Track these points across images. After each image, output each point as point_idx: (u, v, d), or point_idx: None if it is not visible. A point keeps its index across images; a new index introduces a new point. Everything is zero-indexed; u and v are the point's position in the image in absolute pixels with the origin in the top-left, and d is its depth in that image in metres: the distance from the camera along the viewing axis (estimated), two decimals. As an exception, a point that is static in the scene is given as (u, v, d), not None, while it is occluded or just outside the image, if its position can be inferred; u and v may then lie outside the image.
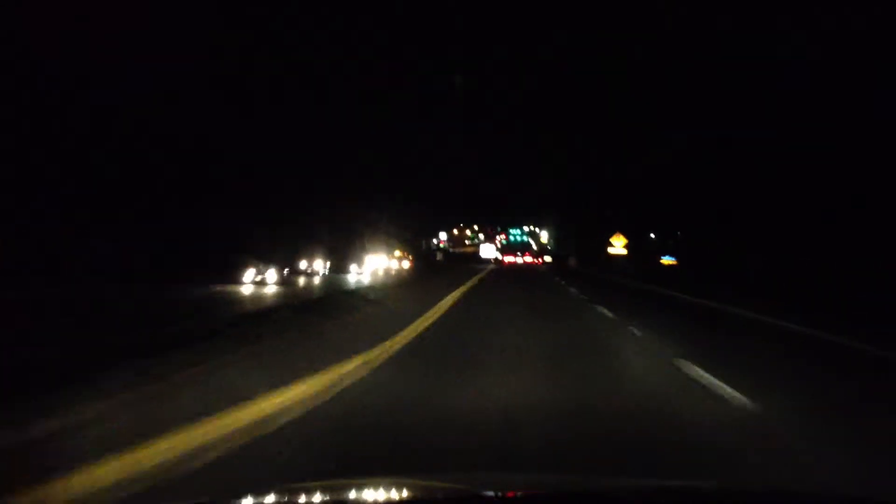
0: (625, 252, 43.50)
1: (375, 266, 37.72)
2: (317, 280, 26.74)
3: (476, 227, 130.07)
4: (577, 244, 74.99)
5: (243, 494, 2.07)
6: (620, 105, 46.41)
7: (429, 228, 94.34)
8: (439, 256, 76.14)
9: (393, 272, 38.47)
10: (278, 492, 2.17)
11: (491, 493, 2.18)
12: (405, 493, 2.29)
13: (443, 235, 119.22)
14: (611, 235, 43.78)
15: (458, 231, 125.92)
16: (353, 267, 33.90)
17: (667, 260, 49.19)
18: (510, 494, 2.21)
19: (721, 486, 2.85)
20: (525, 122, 75.36)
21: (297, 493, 2.20)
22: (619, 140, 47.36)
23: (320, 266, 30.50)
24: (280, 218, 28.49)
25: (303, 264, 29.61)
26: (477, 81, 55.24)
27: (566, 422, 4.74)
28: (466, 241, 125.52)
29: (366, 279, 28.43)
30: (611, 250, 43.61)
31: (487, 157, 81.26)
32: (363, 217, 39.23)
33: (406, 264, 43.67)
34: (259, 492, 2.12)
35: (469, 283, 24.28)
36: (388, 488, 2.30)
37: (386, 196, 43.90)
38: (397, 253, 44.02)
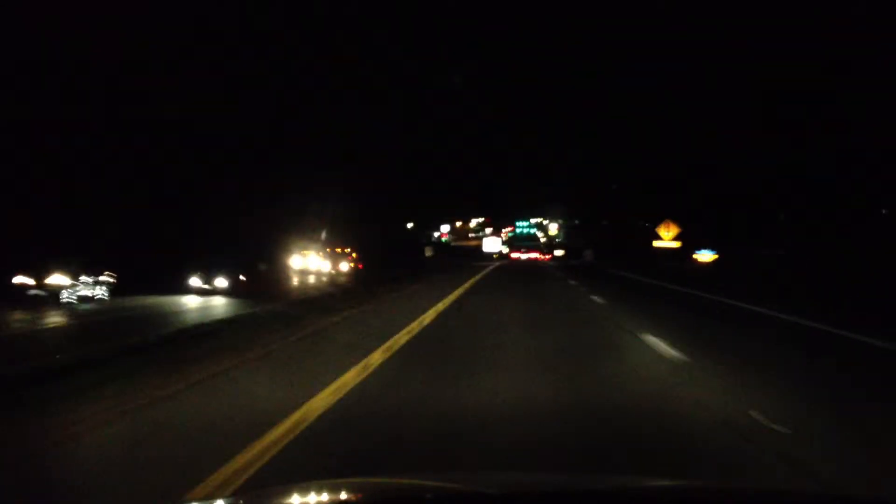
0: (676, 245, 31.82)
1: (299, 267, 24.11)
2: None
3: (482, 220, 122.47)
4: (596, 235, 64.46)
5: (244, 493, 2.31)
6: (620, 103, 45.86)
7: (429, 220, 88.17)
8: (429, 252, 62.39)
9: (311, 281, 24.74)
10: (277, 491, 2.22)
11: (491, 493, 2.16)
12: (404, 493, 2.26)
13: (445, 227, 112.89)
14: (657, 224, 32.39)
15: (462, 224, 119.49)
16: (195, 279, 19.31)
17: (704, 256, 40.44)
18: (510, 494, 2.18)
19: (721, 487, 2.88)
20: (526, 117, 71.94)
21: (295, 492, 2.19)
22: (620, 136, 46.95)
23: (62, 280, 16.30)
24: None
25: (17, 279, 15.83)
26: (477, 79, 52.35)
27: None
28: (470, 234, 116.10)
29: (192, 305, 14.74)
30: (658, 244, 36.29)
31: (490, 151, 76.65)
32: (264, 202, 25.94)
33: (345, 267, 29.85)
34: (259, 491, 2.33)
35: (419, 324, 10.42)
36: (385, 488, 2.30)
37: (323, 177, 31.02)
38: (321, 250, 30.03)
